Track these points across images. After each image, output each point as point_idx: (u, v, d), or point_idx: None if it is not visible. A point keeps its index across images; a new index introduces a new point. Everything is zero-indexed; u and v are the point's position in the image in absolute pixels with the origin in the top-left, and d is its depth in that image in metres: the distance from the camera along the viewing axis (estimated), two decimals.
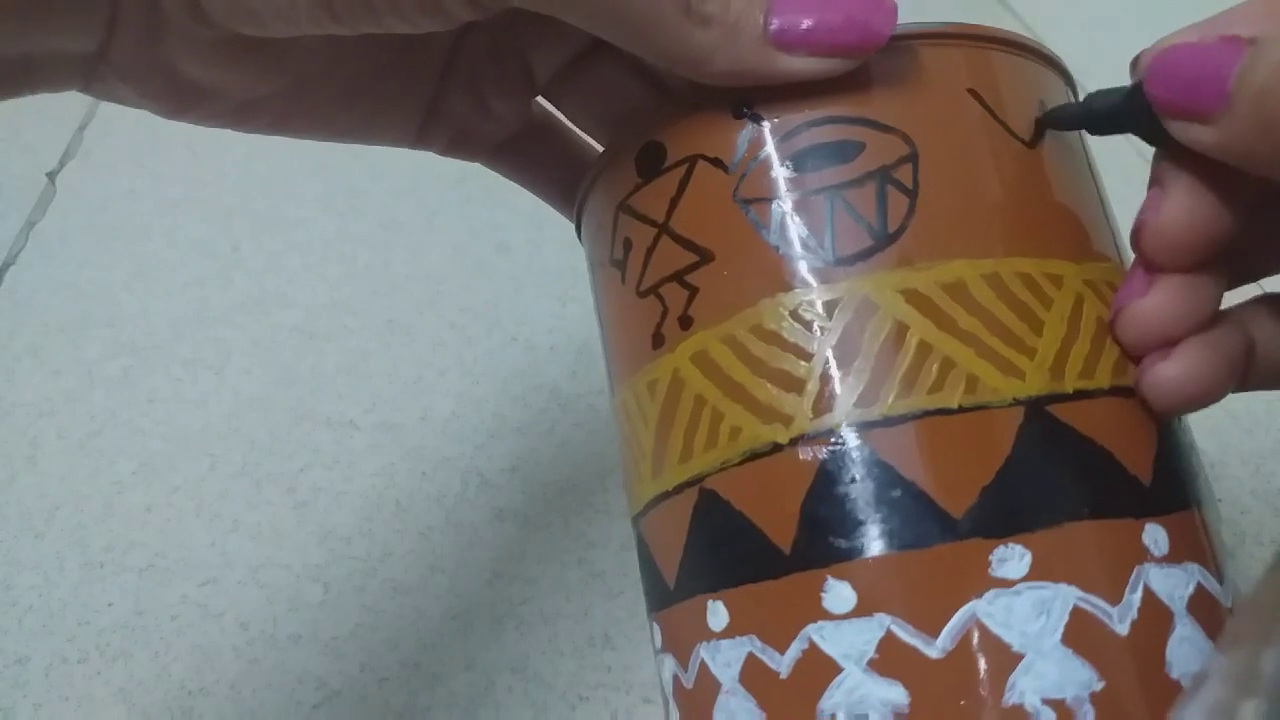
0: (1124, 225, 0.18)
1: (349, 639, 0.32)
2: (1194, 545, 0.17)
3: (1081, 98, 0.19)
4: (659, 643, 0.19)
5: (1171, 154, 0.17)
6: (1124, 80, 0.18)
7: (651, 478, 0.19)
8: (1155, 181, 0.17)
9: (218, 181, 0.49)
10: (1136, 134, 0.17)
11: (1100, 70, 0.24)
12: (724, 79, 0.17)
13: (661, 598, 0.19)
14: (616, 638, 0.31)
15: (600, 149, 0.25)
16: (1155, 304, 0.17)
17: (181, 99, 0.19)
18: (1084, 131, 0.20)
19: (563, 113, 0.25)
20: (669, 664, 0.19)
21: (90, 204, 0.48)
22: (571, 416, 0.38)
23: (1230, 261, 0.17)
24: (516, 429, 0.38)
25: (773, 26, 0.17)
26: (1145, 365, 0.17)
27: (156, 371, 0.40)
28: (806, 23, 0.17)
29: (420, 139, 0.23)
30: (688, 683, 0.18)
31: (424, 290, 0.43)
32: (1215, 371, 0.17)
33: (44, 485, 0.36)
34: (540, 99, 0.25)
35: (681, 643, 0.18)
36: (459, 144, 0.24)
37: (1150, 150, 0.17)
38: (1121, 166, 0.20)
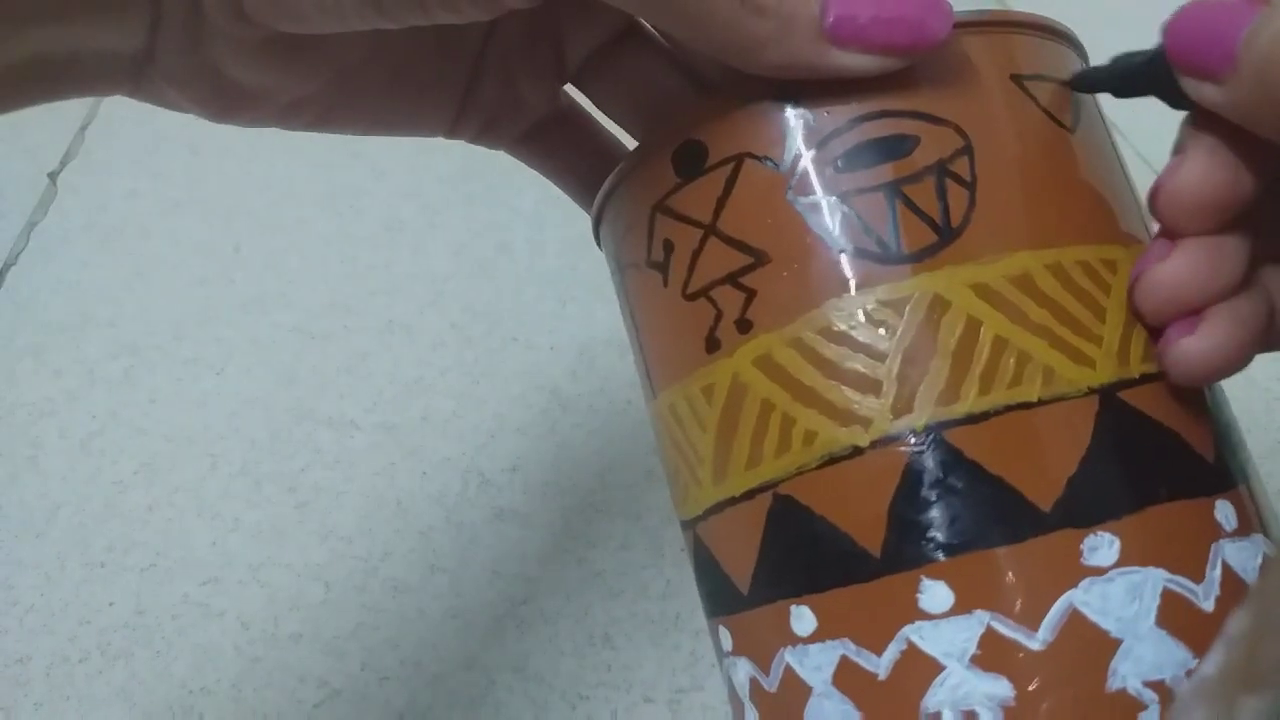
0: None
1: (350, 638, 0.32)
2: (1255, 516, 0.17)
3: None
4: (729, 646, 0.19)
5: (1195, 119, 0.17)
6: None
7: (713, 483, 0.19)
8: (1177, 149, 0.17)
9: (219, 182, 0.49)
10: (1160, 97, 0.17)
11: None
12: (774, 71, 0.17)
13: (731, 603, 0.19)
14: (616, 637, 0.31)
15: (628, 137, 0.24)
16: (1176, 268, 0.16)
17: (228, 102, 0.19)
18: (1106, 116, 0.20)
19: (593, 100, 0.24)
20: (744, 667, 0.19)
21: (91, 204, 0.48)
22: (571, 416, 0.38)
23: (1259, 234, 0.17)
24: (517, 429, 0.38)
25: (828, 21, 0.16)
26: (1170, 337, 0.16)
27: (158, 371, 0.40)
28: (862, 19, 0.16)
29: (455, 127, 0.23)
30: (770, 686, 0.18)
31: (425, 290, 0.43)
32: (1240, 343, 0.16)
33: (45, 485, 0.36)
34: (569, 88, 0.25)
35: (760, 647, 0.18)
36: (487, 131, 0.24)
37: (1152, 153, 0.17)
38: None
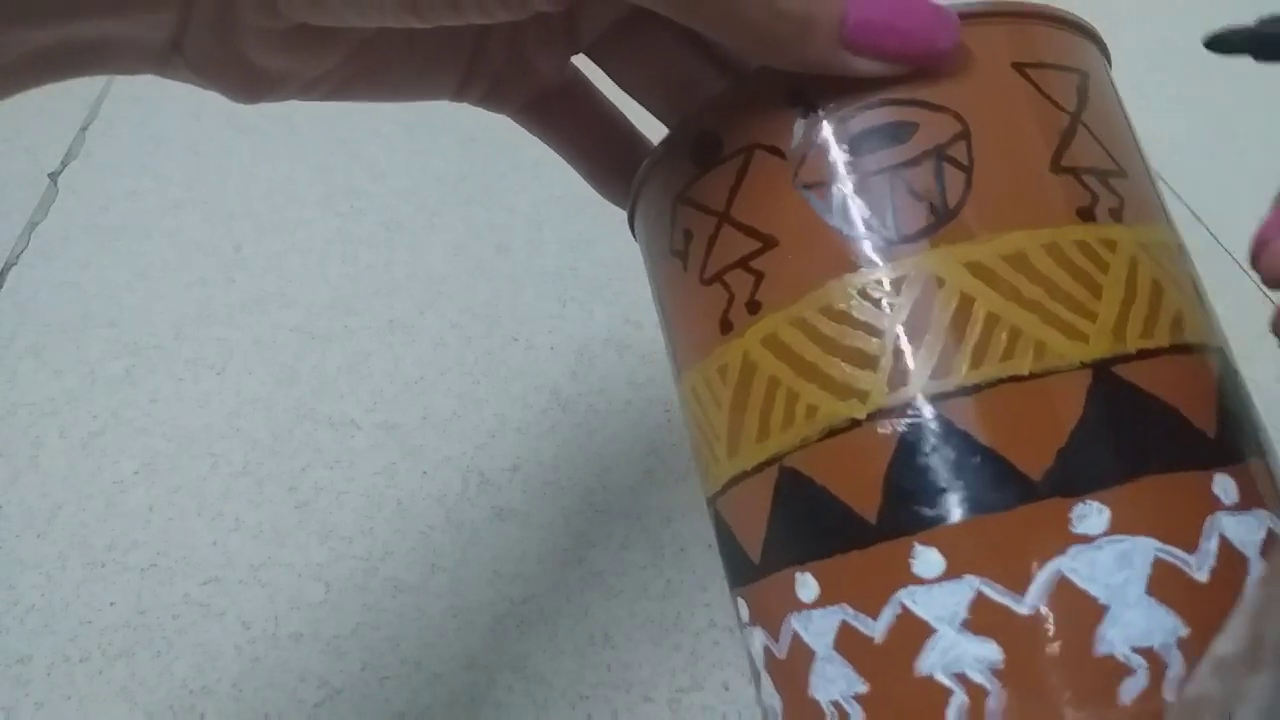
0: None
1: (350, 638, 0.32)
2: (1261, 493, 0.17)
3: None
4: (745, 616, 0.20)
5: None
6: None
7: (728, 459, 0.20)
8: None
9: (219, 182, 0.49)
10: None
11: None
12: (793, 68, 0.18)
13: (746, 573, 0.20)
14: (616, 636, 0.32)
15: (637, 109, 0.25)
16: None
17: (254, 87, 0.20)
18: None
19: (607, 73, 0.25)
20: (758, 636, 0.19)
21: (92, 204, 0.48)
22: (571, 416, 0.38)
23: None
24: (517, 429, 0.38)
25: (846, 30, 0.17)
26: (1266, 235, 0.17)
27: (158, 371, 0.40)
28: (878, 31, 0.17)
29: (461, 90, 0.24)
30: (780, 653, 0.18)
31: (425, 290, 0.43)
32: None
33: (46, 485, 0.36)
34: (579, 58, 0.25)
35: (771, 615, 0.19)
36: (492, 95, 0.24)
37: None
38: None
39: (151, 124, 0.53)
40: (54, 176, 0.50)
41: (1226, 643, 0.12)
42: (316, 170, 0.50)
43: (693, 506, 0.35)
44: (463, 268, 0.44)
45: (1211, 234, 0.46)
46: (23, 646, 0.32)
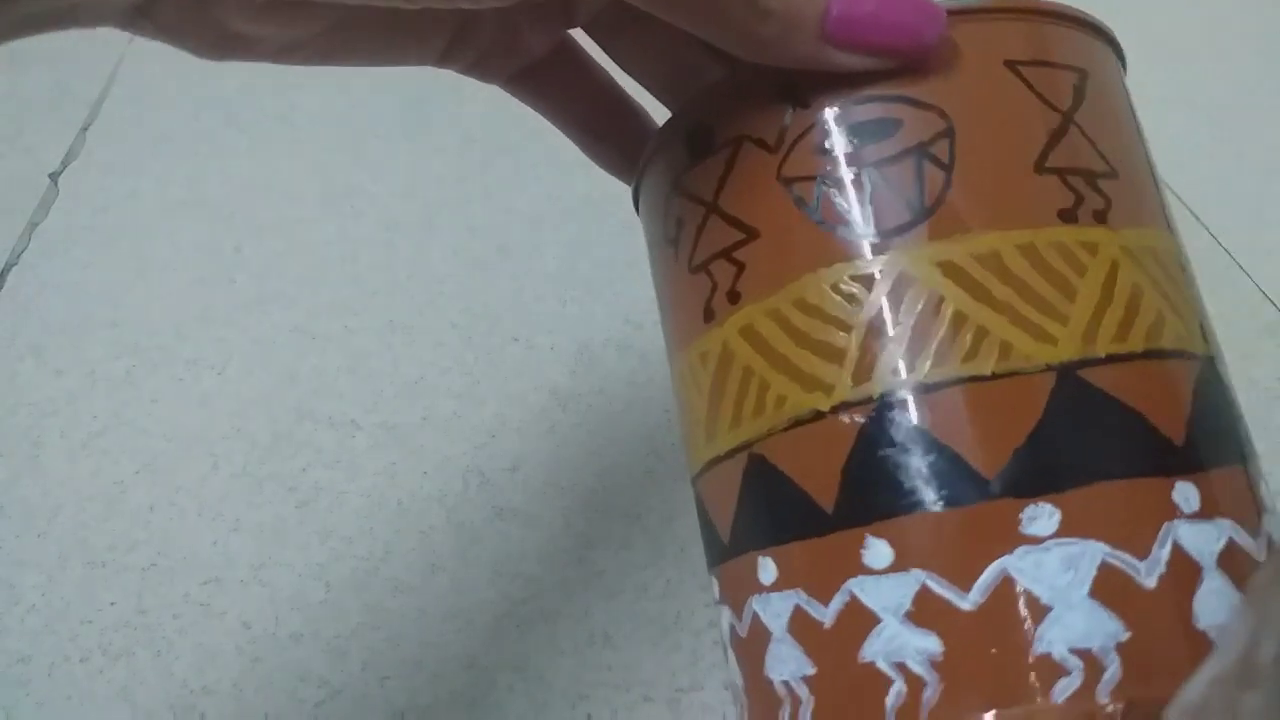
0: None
1: (351, 638, 0.32)
2: (1227, 501, 0.17)
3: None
4: (717, 595, 0.21)
5: None
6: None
7: (706, 443, 0.20)
8: None
9: (220, 182, 0.49)
10: None
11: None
12: (779, 65, 0.18)
13: (718, 553, 0.20)
14: (616, 636, 0.32)
15: (629, 84, 0.25)
16: None
17: (224, 48, 0.19)
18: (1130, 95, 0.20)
19: (604, 50, 0.25)
20: (726, 615, 0.20)
21: (93, 205, 0.48)
22: (571, 416, 0.38)
23: None
24: (517, 429, 0.38)
25: (829, 25, 0.18)
26: None
27: (159, 371, 0.40)
28: (861, 25, 0.18)
29: (444, 59, 0.23)
30: (742, 632, 0.19)
31: (425, 290, 0.43)
32: None
33: (47, 485, 0.36)
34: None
35: (736, 595, 0.19)
36: (479, 66, 0.24)
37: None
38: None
39: (152, 124, 0.53)
40: (54, 177, 0.50)
41: (1221, 659, 0.12)
42: (316, 170, 0.50)
43: (693, 506, 0.35)
44: (463, 268, 0.44)
45: (1211, 234, 0.46)
46: (23, 646, 0.32)
